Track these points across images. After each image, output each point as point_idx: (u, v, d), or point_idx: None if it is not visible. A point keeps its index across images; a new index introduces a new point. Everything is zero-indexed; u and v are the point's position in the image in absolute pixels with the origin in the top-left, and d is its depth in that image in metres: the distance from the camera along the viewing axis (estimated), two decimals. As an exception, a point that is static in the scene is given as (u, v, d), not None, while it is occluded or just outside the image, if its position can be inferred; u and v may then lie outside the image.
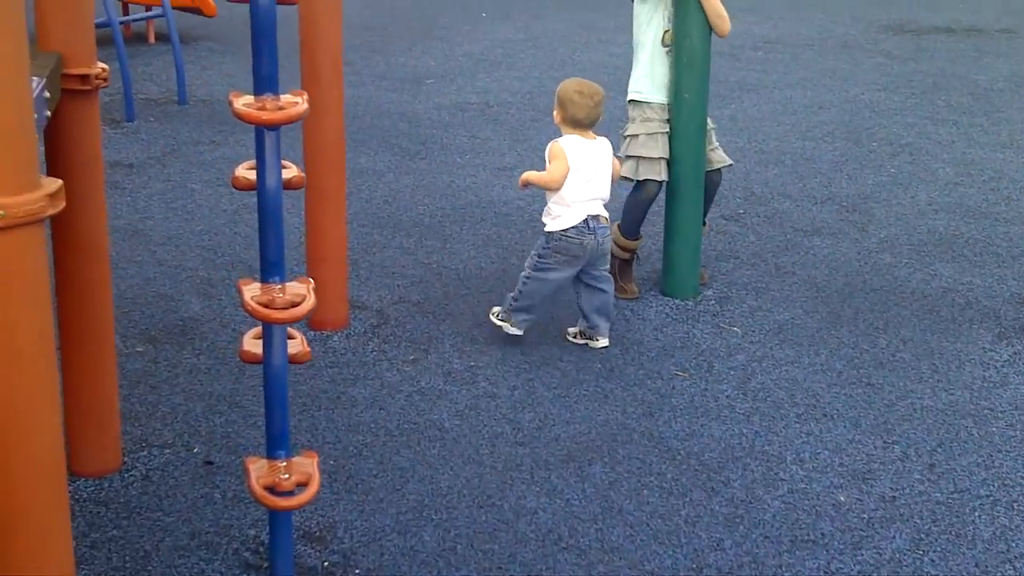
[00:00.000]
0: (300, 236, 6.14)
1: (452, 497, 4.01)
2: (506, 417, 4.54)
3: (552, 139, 5.13)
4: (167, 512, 3.87)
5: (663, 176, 5.42)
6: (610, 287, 5.16)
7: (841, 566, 3.70)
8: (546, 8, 13.16)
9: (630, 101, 5.55)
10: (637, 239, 5.61)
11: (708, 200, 5.67)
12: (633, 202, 5.54)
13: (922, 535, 3.87)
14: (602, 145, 5.08)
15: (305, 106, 2.94)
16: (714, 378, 4.89)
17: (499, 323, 5.11)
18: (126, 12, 10.43)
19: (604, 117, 5.17)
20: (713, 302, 5.61)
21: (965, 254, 6.25)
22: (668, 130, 5.42)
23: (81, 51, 3.51)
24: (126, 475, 4.06)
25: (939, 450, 4.37)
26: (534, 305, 5.07)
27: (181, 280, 5.72)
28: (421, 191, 7.10)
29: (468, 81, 9.84)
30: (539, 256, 5.04)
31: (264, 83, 3.03)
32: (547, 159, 5.05)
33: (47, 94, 3.16)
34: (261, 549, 3.68)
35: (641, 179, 5.43)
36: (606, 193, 5.07)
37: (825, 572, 3.67)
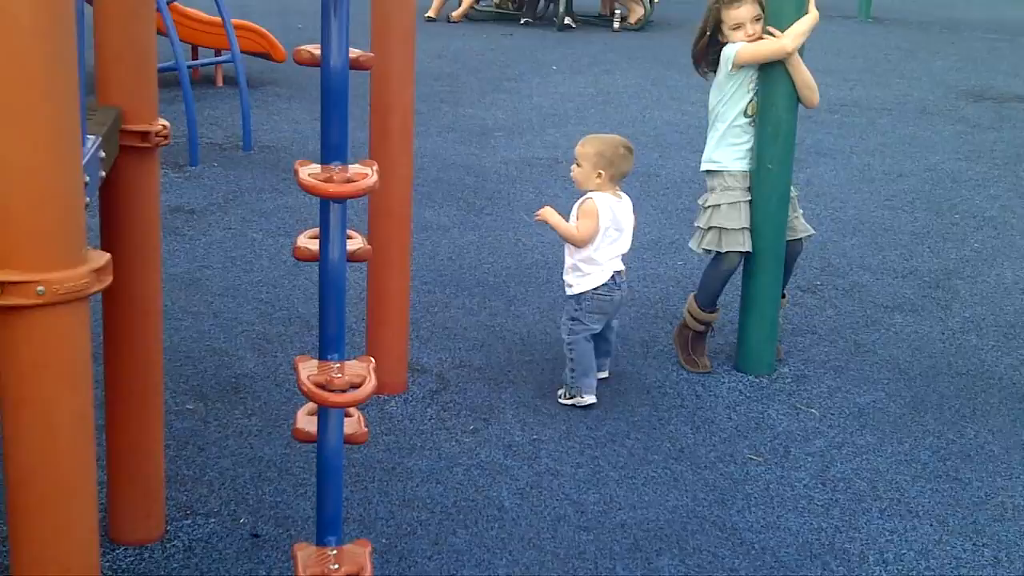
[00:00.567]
0: (360, 291, 5.95)
1: (511, 586, 3.77)
2: (569, 498, 4.29)
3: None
4: (209, 590, 3.65)
5: (747, 247, 5.17)
6: (616, 324, 5.25)
7: None
8: (618, 63, 12.96)
9: (707, 171, 5.30)
10: (714, 311, 5.37)
11: (788, 271, 5.42)
12: (713, 273, 5.29)
13: (1018, 653, 3.58)
14: (627, 203, 5.11)
15: (375, 179, 2.74)
16: (791, 464, 4.62)
17: (571, 402, 4.98)
18: (195, 56, 10.36)
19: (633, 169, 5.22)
20: (789, 380, 5.34)
21: (1055, 338, 5.95)
22: (750, 198, 5.18)
23: (143, 106, 3.32)
24: (168, 545, 3.85)
25: (1034, 556, 4.08)
26: (591, 366, 4.99)
27: (236, 334, 5.54)
28: (486, 248, 6.90)
29: (537, 136, 9.64)
30: (573, 320, 5.01)
31: (332, 152, 2.83)
32: (576, 214, 5.00)
33: (102, 153, 2.97)
34: (306, 637, 3.44)
35: (724, 251, 5.18)
36: (627, 248, 5.10)
37: None
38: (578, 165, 5.05)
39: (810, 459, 4.66)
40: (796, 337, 5.79)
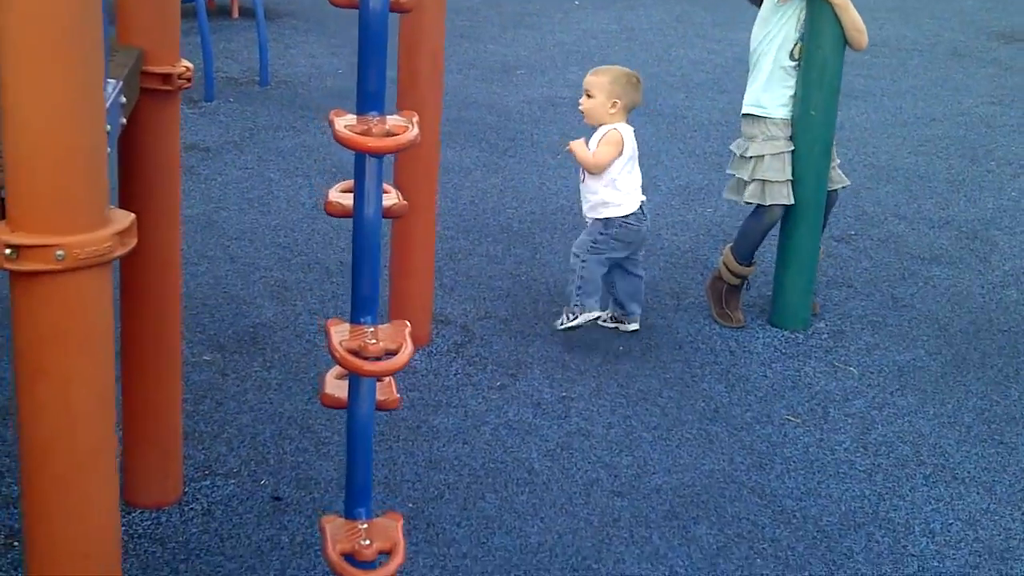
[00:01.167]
0: (383, 238, 5.77)
1: (543, 555, 3.60)
2: (601, 460, 4.13)
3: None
4: (229, 556, 3.50)
5: (791, 199, 4.95)
6: (644, 272, 5.09)
7: (984, 668, 3.26)
8: (641, -2, 12.68)
9: (747, 115, 5.06)
10: (751, 265, 5.17)
11: (823, 222, 5.22)
12: (754, 226, 5.07)
13: (1074, 634, 3.42)
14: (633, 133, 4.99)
15: (416, 131, 2.53)
16: (830, 426, 4.45)
17: (574, 324, 4.83)
18: (210, -15, 10.12)
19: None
20: (826, 336, 5.16)
21: (1099, 294, 5.76)
22: (792, 148, 4.96)
23: (165, 46, 3.11)
24: (186, 508, 3.70)
25: (1086, 528, 3.92)
26: (598, 286, 4.87)
27: (254, 281, 5.36)
28: (509, 193, 6.69)
29: (560, 74, 9.39)
30: (594, 242, 4.87)
31: (369, 100, 2.62)
32: (597, 143, 4.88)
33: (123, 99, 2.77)
34: (331, 608, 3.29)
35: (768, 204, 4.96)
36: (640, 178, 5.02)
37: (966, 674, 3.24)
38: (589, 96, 4.89)
39: (850, 421, 4.49)
40: (831, 290, 5.59)
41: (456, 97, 8.44)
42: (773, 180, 4.92)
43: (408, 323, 2.84)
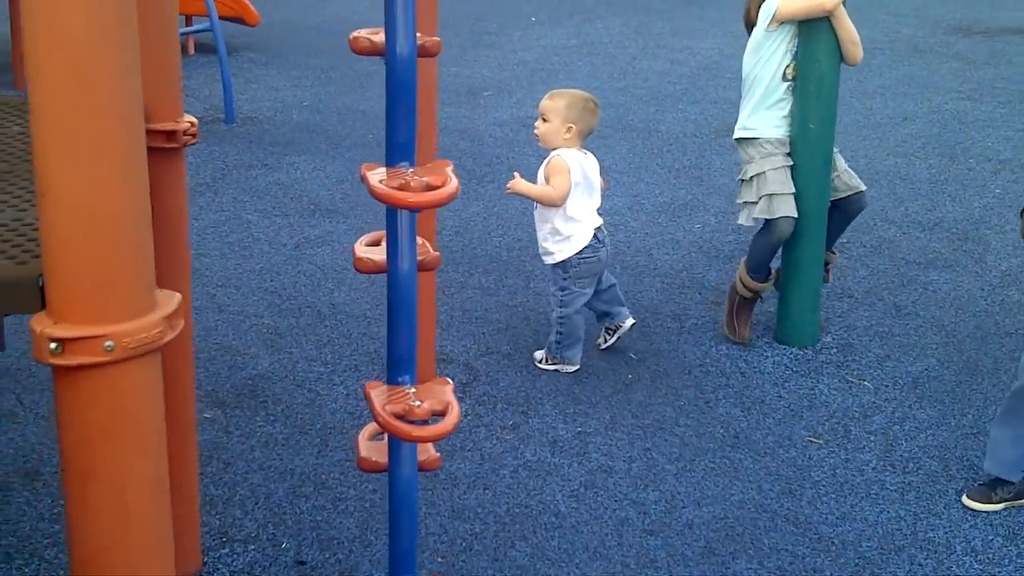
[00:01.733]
0: (370, 276, 5.64)
1: (584, 605, 3.48)
2: (628, 498, 4.01)
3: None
4: (260, 629, 3.35)
5: (795, 212, 4.86)
6: (615, 279, 5.03)
7: None
8: (597, 11, 12.61)
9: (740, 140, 4.99)
10: (765, 281, 5.07)
11: (843, 228, 5.15)
12: (765, 242, 4.96)
13: None
14: (593, 160, 4.88)
15: (456, 182, 2.40)
16: (853, 445, 4.35)
17: (553, 368, 4.85)
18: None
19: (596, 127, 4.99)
20: (835, 351, 5.07)
21: (1099, 289, 5.71)
22: (792, 163, 4.87)
23: (167, 101, 2.96)
24: (208, 579, 3.55)
25: None
26: (580, 335, 4.85)
27: (245, 329, 5.20)
28: (493, 220, 6.57)
29: (527, 93, 9.29)
30: (562, 289, 4.81)
31: (399, 151, 2.50)
32: (545, 175, 4.78)
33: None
34: None
35: (776, 217, 4.86)
36: (599, 204, 4.88)
37: None
38: (544, 120, 4.81)
39: (872, 438, 4.40)
40: (833, 302, 5.51)
41: (426, 124, 8.30)
42: (779, 193, 4.83)
43: (450, 381, 2.72)
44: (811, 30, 4.75)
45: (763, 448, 4.33)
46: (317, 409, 4.56)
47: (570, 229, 4.74)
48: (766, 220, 4.90)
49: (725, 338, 5.12)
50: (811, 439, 4.38)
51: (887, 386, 4.78)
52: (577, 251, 4.74)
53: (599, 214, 4.87)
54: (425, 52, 2.55)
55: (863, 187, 5.08)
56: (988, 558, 3.71)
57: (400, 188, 2.38)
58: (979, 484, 4.02)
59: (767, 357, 5.01)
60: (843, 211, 5.03)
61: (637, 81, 9.59)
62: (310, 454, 4.23)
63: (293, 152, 7.65)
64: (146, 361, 1.89)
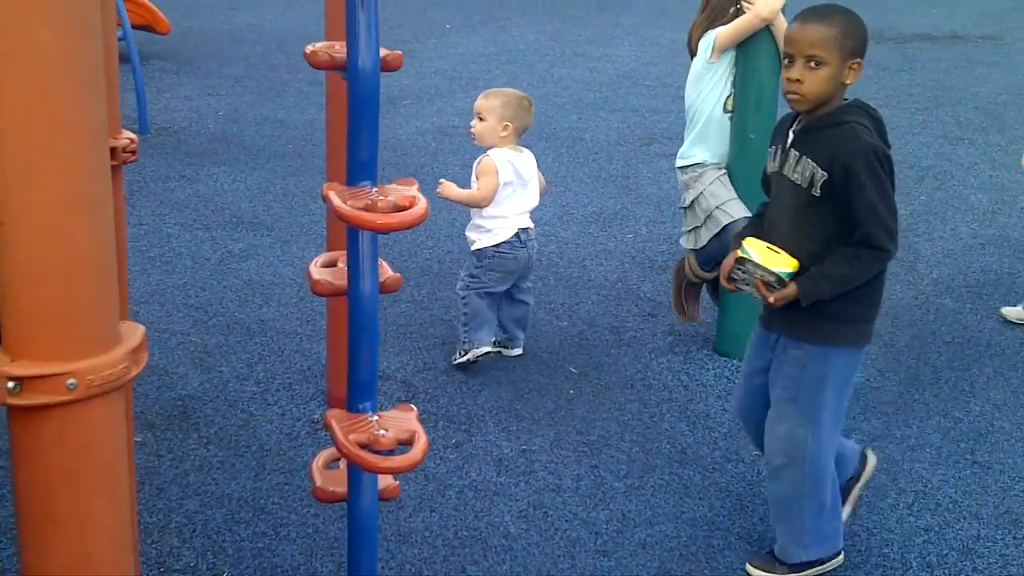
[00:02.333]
0: (299, 290, 5.50)
1: (542, 631, 3.38)
2: (578, 517, 3.91)
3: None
4: (205, 666, 3.20)
5: (748, 211, 4.79)
6: (532, 299, 5.04)
7: None
8: (511, 18, 12.54)
9: (681, 168, 4.95)
10: (712, 271, 5.02)
11: None
12: (721, 246, 4.87)
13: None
14: (528, 156, 4.88)
15: (425, 202, 2.30)
16: (801, 459, 4.29)
17: (467, 359, 4.83)
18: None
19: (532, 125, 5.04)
20: (775, 362, 5.01)
21: (1030, 296, 5.74)
22: (724, 168, 4.85)
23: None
24: (147, 614, 3.39)
25: (1081, 547, 3.82)
26: (486, 319, 4.84)
27: (172, 348, 5.03)
28: (423, 231, 6.44)
29: (447, 102, 9.18)
30: (471, 276, 4.83)
31: (360, 170, 2.39)
32: (475, 175, 4.82)
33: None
34: None
35: (730, 221, 4.77)
36: (535, 203, 4.89)
37: None
38: (480, 119, 4.81)
39: (820, 451, 4.34)
40: (770, 312, 5.46)
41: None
42: (724, 200, 4.78)
43: (413, 408, 2.60)
44: (750, 40, 4.71)
45: (711, 464, 4.25)
46: (252, 430, 4.40)
47: (492, 224, 4.77)
48: (723, 227, 4.82)
49: (667, 326, 5.06)
50: (758, 454, 4.31)
51: (830, 397, 4.74)
52: (494, 244, 4.76)
53: (531, 219, 4.87)
54: (387, 66, 2.43)
55: None
56: (944, 572, 3.67)
57: (366, 209, 2.27)
58: (764, 552, 3.71)
59: (708, 369, 4.95)
60: None
61: (557, 89, 9.52)
62: (247, 478, 4.08)
63: (211, 163, 7.46)
64: (110, 399, 1.76)
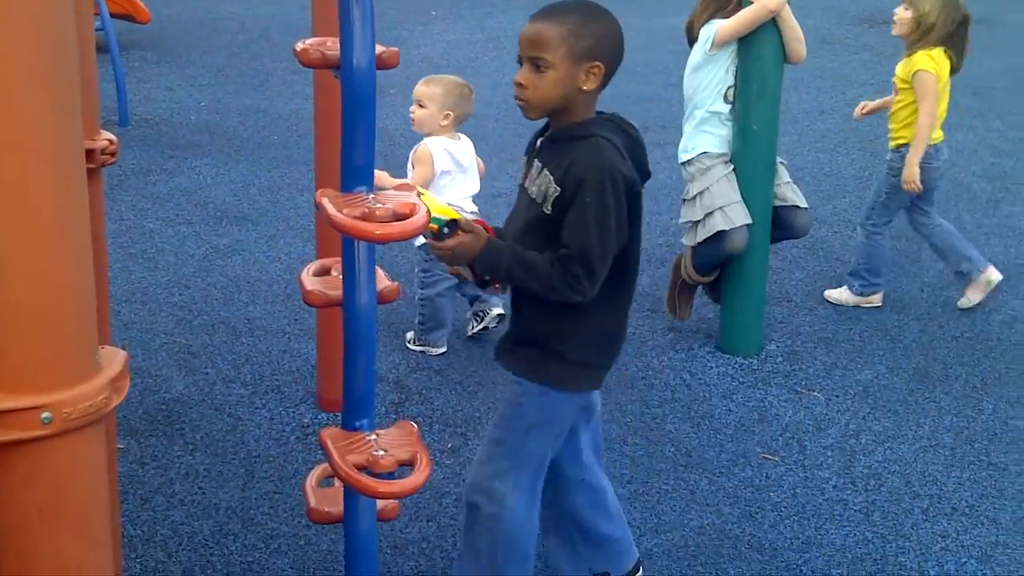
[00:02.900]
0: (286, 287, 5.32)
1: (547, 650, 3.22)
2: (582, 526, 3.74)
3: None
4: None
5: (749, 218, 4.64)
6: None
7: None
8: (497, 4, 12.34)
9: (686, 162, 4.79)
10: (707, 276, 4.87)
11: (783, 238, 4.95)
12: (713, 251, 4.73)
13: None
14: (466, 143, 4.88)
15: (425, 209, 2.13)
16: (811, 462, 4.14)
17: (420, 349, 4.88)
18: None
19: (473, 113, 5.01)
20: (780, 359, 4.86)
21: (1037, 288, 5.59)
22: (732, 167, 4.68)
23: (84, 118, 2.62)
24: (131, 636, 3.22)
25: (1105, 553, 3.67)
26: (444, 319, 4.86)
27: (155, 349, 4.85)
28: (412, 225, 6.26)
29: (435, 90, 8.98)
30: (424, 271, 4.82)
31: (356, 175, 2.22)
32: (411, 163, 4.84)
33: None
34: None
35: (731, 227, 4.62)
36: (476, 189, 4.92)
37: None
38: (420, 106, 4.79)
39: (830, 454, 4.19)
40: (772, 307, 5.30)
41: (332, 123, 7.96)
42: (729, 202, 4.62)
43: (415, 425, 2.44)
44: (756, 29, 4.55)
45: (717, 468, 4.10)
46: (239, 436, 4.23)
47: None
48: (719, 231, 4.66)
49: (667, 322, 5.00)
50: (766, 456, 4.17)
51: (838, 396, 4.59)
52: None
53: (474, 201, 4.88)
54: (383, 64, 2.27)
55: (804, 204, 4.87)
56: (964, 582, 3.53)
57: (364, 218, 2.09)
58: None
59: (712, 368, 4.79)
60: (778, 225, 4.80)
61: (547, 77, 9.34)
62: (235, 486, 3.91)
63: (194, 155, 7.26)
64: (88, 432, 1.59)
